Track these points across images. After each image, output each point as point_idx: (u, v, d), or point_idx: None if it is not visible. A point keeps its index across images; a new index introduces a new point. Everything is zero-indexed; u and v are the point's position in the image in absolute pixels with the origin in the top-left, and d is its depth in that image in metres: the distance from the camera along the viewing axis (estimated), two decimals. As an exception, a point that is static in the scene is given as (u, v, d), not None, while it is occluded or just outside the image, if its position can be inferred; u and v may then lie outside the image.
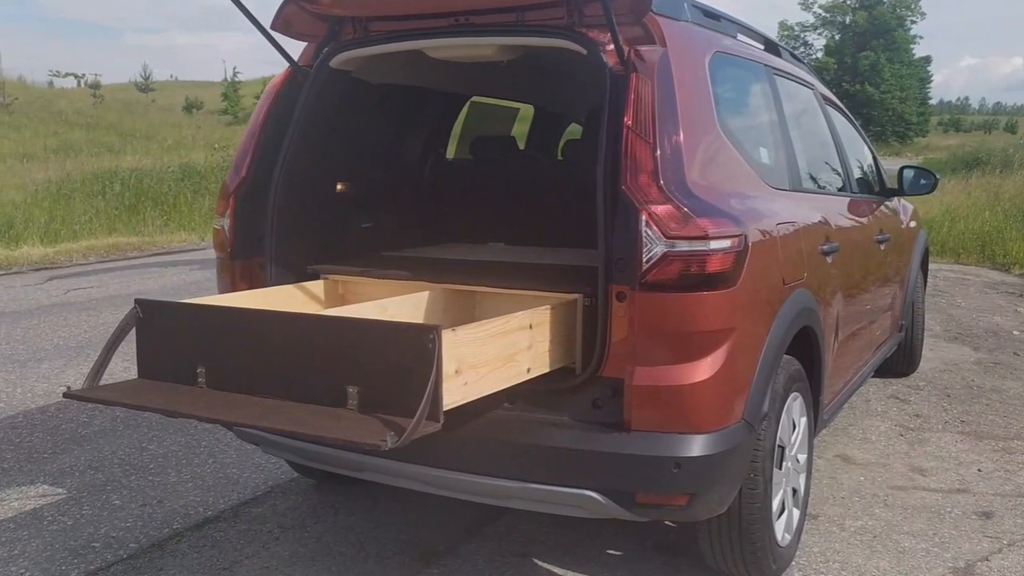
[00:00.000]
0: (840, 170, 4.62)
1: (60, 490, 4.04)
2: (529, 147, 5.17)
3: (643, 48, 2.86)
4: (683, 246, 2.65)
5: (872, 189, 5.19)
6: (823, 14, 69.00)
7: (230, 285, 3.42)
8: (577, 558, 3.43)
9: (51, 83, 40.14)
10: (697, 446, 2.66)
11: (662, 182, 2.68)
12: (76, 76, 35.49)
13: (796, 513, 3.40)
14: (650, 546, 3.52)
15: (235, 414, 2.44)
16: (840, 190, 4.52)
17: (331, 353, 2.42)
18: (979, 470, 4.42)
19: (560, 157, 5.27)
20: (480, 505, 3.65)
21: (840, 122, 4.94)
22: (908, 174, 5.45)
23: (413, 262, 3.58)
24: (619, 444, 2.68)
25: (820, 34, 70.43)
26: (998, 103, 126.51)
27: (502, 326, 2.61)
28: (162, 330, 2.74)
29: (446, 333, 2.32)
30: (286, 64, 3.46)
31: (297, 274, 3.46)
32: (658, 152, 2.70)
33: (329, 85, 3.45)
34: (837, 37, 68.26)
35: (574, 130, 5.76)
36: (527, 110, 5.52)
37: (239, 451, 4.52)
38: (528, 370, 2.74)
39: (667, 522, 3.71)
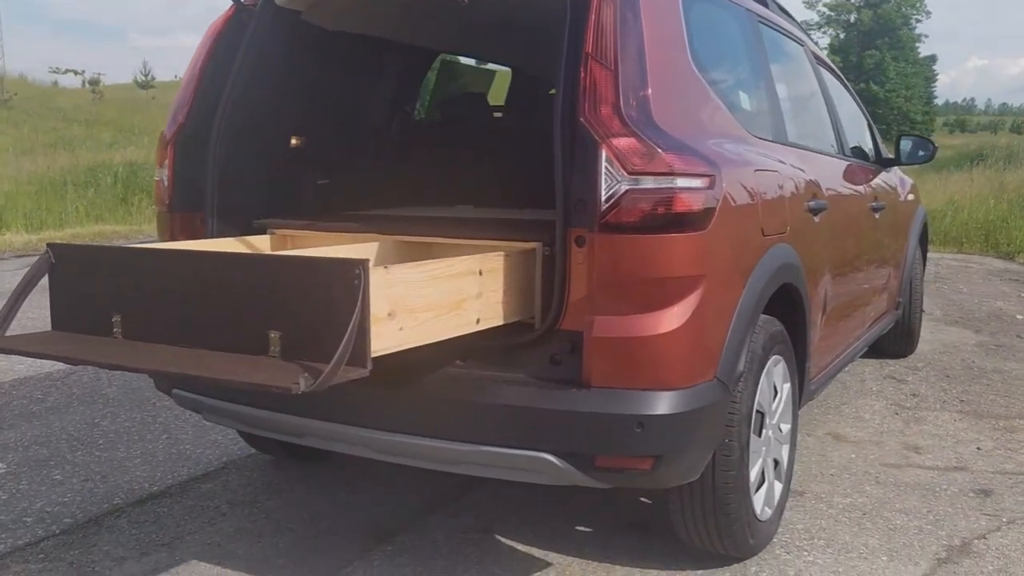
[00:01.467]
0: (832, 131, 4.37)
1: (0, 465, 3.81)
2: (506, 111, 4.91)
3: None
4: (647, 183, 2.40)
5: (867, 157, 4.93)
6: (827, 12, 68.58)
7: (169, 240, 3.18)
8: (544, 535, 3.18)
9: (56, 82, 39.94)
10: (662, 404, 2.41)
11: (624, 114, 2.43)
12: (76, 73, 35.23)
13: (778, 487, 3.15)
14: (623, 523, 3.28)
15: (140, 360, 2.20)
16: (831, 151, 4.27)
17: (250, 295, 2.18)
18: (978, 448, 4.17)
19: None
20: (443, 483, 3.43)
21: (833, 84, 4.69)
22: (905, 143, 5.21)
23: (371, 219, 3.34)
24: (576, 401, 2.43)
25: (824, 32, 70.08)
26: (1004, 104, 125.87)
27: (446, 269, 2.37)
28: (76, 277, 2.51)
29: (376, 270, 2.08)
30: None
31: (242, 229, 3.22)
32: (621, 81, 2.45)
33: (276, 27, 3.21)
34: (842, 35, 67.86)
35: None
36: (504, 76, 5.27)
37: (196, 427, 4.28)
38: (478, 321, 2.49)
39: (641, 498, 3.47)
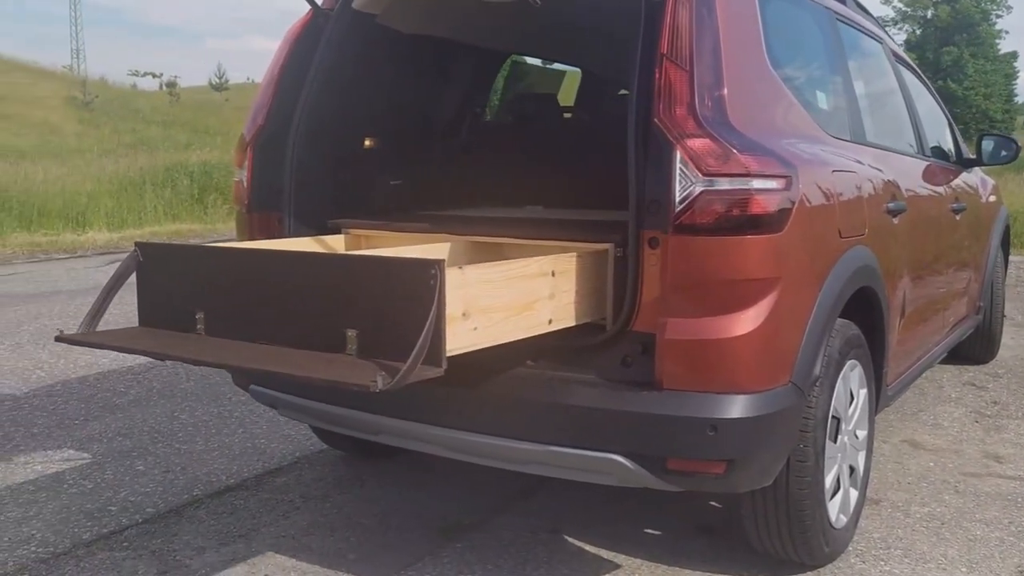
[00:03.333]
0: (911, 131, 4.27)
1: (85, 455, 3.94)
2: (576, 112, 4.91)
3: None
4: (723, 184, 2.38)
5: (947, 157, 4.80)
6: (903, 8, 66.87)
7: (249, 239, 3.26)
8: (612, 537, 3.17)
9: (134, 84, 41.22)
10: (736, 407, 2.38)
11: (700, 114, 2.41)
12: (154, 76, 36.40)
13: (854, 494, 3.09)
14: (691, 526, 3.25)
15: (221, 356, 2.26)
16: (910, 151, 4.17)
17: (327, 294, 2.23)
18: (1063, 457, 4.02)
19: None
20: (514, 481, 3.45)
21: (912, 82, 4.58)
22: (987, 143, 5.05)
23: (442, 219, 3.37)
24: (648, 403, 2.42)
25: (900, 29, 68.31)
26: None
27: (520, 270, 2.38)
28: (162, 274, 2.59)
29: (452, 271, 2.10)
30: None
31: (317, 229, 3.28)
32: (696, 82, 2.44)
33: (352, 30, 3.27)
34: (918, 32, 66.05)
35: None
36: (574, 76, 5.27)
37: (271, 422, 4.37)
38: (550, 321, 2.50)
39: (712, 502, 3.43)
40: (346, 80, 3.30)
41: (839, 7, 3.69)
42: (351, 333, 2.19)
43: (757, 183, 2.40)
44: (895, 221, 3.36)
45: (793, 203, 2.48)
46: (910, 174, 3.84)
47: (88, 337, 2.49)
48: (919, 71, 4.90)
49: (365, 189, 3.54)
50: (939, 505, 3.47)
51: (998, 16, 65.59)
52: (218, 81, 40.19)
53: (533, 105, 4.59)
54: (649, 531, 3.23)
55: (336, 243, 3.24)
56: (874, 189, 3.19)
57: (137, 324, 2.64)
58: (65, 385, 5.01)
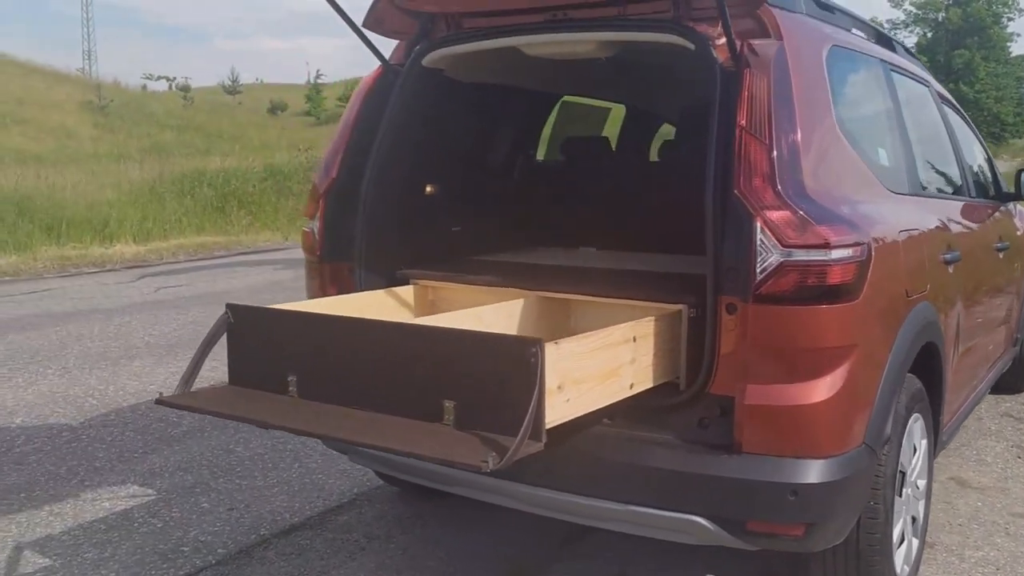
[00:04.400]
0: (958, 172, 4.33)
1: (150, 491, 4.03)
2: (620, 148, 4.99)
3: (757, 42, 2.67)
4: (801, 255, 2.45)
5: (988, 193, 4.86)
6: (914, 11, 66.68)
7: (319, 288, 3.34)
8: (676, 581, 3.25)
9: (144, 86, 41.43)
10: (815, 472, 2.45)
11: (778, 186, 2.49)
12: (168, 79, 36.57)
13: (915, 543, 3.16)
14: (752, 572, 3.32)
15: (329, 428, 2.34)
16: (957, 193, 4.24)
17: (427, 365, 2.31)
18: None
19: (655, 158, 5.07)
20: (570, 522, 3.51)
21: (956, 121, 4.64)
22: None
23: (504, 267, 3.45)
24: (729, 467, 2.49)
25: (911, 32, 68.13)
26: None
27: (605, 339, 2.46)
28: (253, 336, 2.67)
29: (549, 347, 2.18)
30: (373, 65, 3.38)
31: (386, 278, 3.37)
32: (774, 154, 2.51)
33: (421, 84, 3.35)
34: (929, 35, 65.90)
35: (667, 131, 5.56)
36: (617, 110, 5.34)
37: (324, 456, 4.46)
38: (631, 386, 2.58)
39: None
40: (414, 132, 3.38)
41: (891, 56, 3.76)
42: (448, 404, 2.26)
43: (835, 254, 2.47)
44: (950, 271, 3.43)
45: (867, 271, 2.55)
46: (962, 219, 3.90)
47: (188, 400, 2.57)
48: (959, 107, 4.96)
49: (427, 236, 3.62)
50: (992, 549, 3.54)
51: (1009, 19, 65.45)
52: (231, 84, 40.38)
53: (583, 145, 4.67)
54: (712, 576, 3.31)
55: (407, 295, 3.33)
56: (932, 242, 3.27)
57: (227, 383, 2.73)
58: (119, 414, 5.11)
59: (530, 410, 2.07)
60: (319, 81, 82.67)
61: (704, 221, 2.58)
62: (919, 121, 3.92)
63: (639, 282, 3.12)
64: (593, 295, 2.99)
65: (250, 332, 2.68)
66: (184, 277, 10.21)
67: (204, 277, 10.23)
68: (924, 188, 3.55)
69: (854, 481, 2.55)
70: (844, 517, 2.60)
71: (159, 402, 2.57)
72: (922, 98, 4.13)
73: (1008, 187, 5.12)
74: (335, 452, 4.35)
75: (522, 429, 2.05)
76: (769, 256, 2.45)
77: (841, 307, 2.48)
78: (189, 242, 12.68)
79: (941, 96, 4.50)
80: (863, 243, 2.55)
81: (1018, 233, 5.25)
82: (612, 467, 2.64)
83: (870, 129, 3.30)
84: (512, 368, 2.14)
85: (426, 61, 3.30)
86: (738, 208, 2.49)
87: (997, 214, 4.76)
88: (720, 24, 2.76)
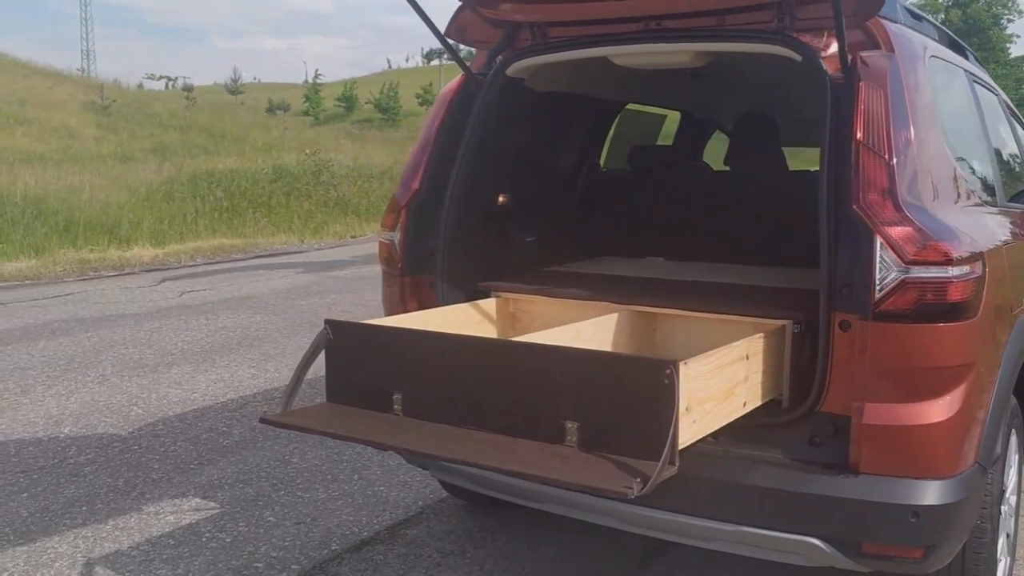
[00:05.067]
0: None
1: (213, 504, 3.97)
2: (684, 155, 4.94)
3: (867, 54, 2.62)
4: (921, 272, 2.39)
5: None
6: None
7: (399, 301, 3.28)
8: (760, 598, 3.20)
9: (140, 85, 41.31)
10: (937, 494, 2.40)
11: (898, 201, 2.43)
12: (169, 79, 36.46)
13: (1007, 561, 3.12)
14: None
15: (450, 449, 2.28)
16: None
17: (549, 385, 2.25)
18: None
19: (723, 166, 5.00)
20: (645, 536, 3.46)
21: (1017, 127, 4.60)
22: None
23: (584, 279, 3.41)
24: (847, 488, 2.44)
25: (911, 33, 68.12)
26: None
27: (724, 357, 2.41)
28: (353, 353, 2.62)
29: (680, 367, 2.13)
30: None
31: (466, 291, 3.32)
32: (893, 168, 2.46)
33: (504, 94, 3.30)
34: (929, 36, 66.03)
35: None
36: (672, 117, 5.29)
37: (382, 467, 4.40)
38: (744, 404, 2.53)
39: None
40: (496, 142, 3.33)
41: (970, 66, 3.72)
42: (571, 425, 2.22)
43: (955, 270, 2.42)
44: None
45: (984, 287, 2.51)
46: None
47: (292, 419, 2.52)
48: (1019, 114, 4.91)
49: (502, 247, 3.58)
50: (1074, 564, 3.50)
51: (1009, 20, 65.62)
52: (233, 84, 40.29)
53: (649, 154, 4.62)
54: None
55: (489, 308, 3.27)
56: (1024, 255, 3.22)
57: (325, 400, 2.68)
58: (166, 423, 5.05)
59: (670, 433, 2.02)
60: (318, 81, 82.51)
61: (815, 236, 2.53)
62: (999, 131, 3.88)
63: (734, 296, 3.07)
64: (692, 310, 2.94)
65: (351, 348, 2.62)
66: (205, 281, 10.13)
67: (225, 280, 10.16)
68: (1008, 198, 3.50)
69: (970, 501, 2.50)
70: (959, 538, 2.55)
71: (263, 421, 2.52)
72: (996, 107, 4.08)
73: None
74: (393, 463, 4.33)
75: (664, 453, 2.00)
76: (889, 272, 2.39)
77: (961, 325, 2.43)
78: (206, 245, 12.60)
79: (1007, 105, 4.46)
80: (979, 258, 2.51)
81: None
82: (723, 487, 2.58)
83: (965, 141, 3.26)
84: (645, 389, 2.10)
85: (510, 71, 3.25)
86: (856, 223, 2.44)
87: None
88: (825, 35, 2.73)
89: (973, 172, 3.18)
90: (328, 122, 65.56)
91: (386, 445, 2.38)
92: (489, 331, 3.24)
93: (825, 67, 2.64)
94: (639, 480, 1.97)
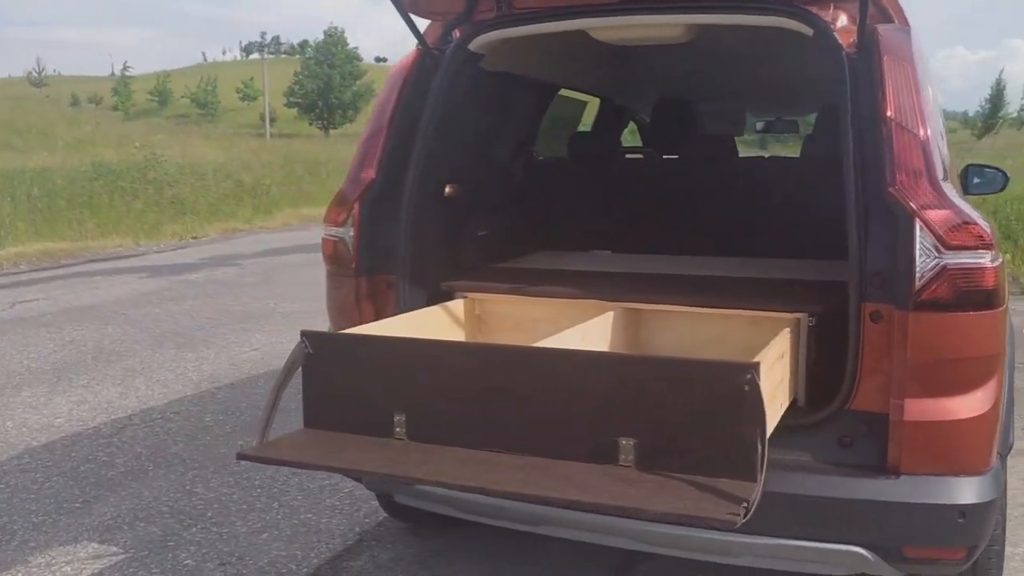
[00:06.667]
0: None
1: (114, 548, 3.41)
2: (612, 144, 4.73)
3: (882, 27, 2.48)
4: (963, 258, 2.27)
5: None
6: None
7: (353, 305, 2.88)
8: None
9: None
10: (980, 491, 2.28)
11: (935, 183, 2.30)
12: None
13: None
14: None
15: (494, 480, 1.93)
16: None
17: (597, 398, 1.96)
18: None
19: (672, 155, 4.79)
20: (616, 550, 3.22)
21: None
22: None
23: (549, 276, 3.12)
24: (892, 491, 2.28)
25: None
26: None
27: (773, 355, 2.20)
28: (339, 369, 2.22)
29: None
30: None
31: (428, 292, 2.96)
32: (928, 146, 2.33)
33: (462, 73, 2.97)
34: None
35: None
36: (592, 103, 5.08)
37: (303, 492, 3.95)
38: (781, 405, 2.33)
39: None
40: (455, 126, 2.99)
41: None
42: (626, 442, 1.94)
43: (988, 256, 2.31)
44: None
45: (1003, 273, 2.42)
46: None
47: (277, 453, 2.10)
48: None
49: (457, 243, 3.24)
50: None
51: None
52: (37, 76, 37.07)
53: (590, 144, 4.37)
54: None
55: (457, 310, 2.93)
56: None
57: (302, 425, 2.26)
58: (33, 456, 4.35)
59: (760, 445, 1.78)
60: (127, 74, 77.83)
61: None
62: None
63: (736, 290, 2.87)
64: (701, 305, 2.71)
65: (336, 364, 2.22)
66: (37, 289, 9.09)
67: (60, 289, 9.14)
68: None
69: (1002, 495, 2.41)
70: (992, 534, 2.45)
71: (241, 457, 2.08)
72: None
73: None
74: (312, 485, 3.91)
75: (760, 469, 1.76)
76: (932, 259, 2.25)
77: (996, 312, 2.33)
78: (30, 250, 11.32)
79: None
80: (996, 245, 2.41)
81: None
82: None
83: (938, 120, 3.21)
84: (722, 397, 1.84)
85: (474, 45, 2.91)
86: (892, 208, 2.28)
87: None
88: (832, 7, 2.58)
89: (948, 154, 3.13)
90: (140, 117, 61.84)
91: (414, 478, 2.01)
92: (459, 336, 2.90)
93: (840, 41, 2.48)
94: (744, 504, 1.72)
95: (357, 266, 2.87)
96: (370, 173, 2.86)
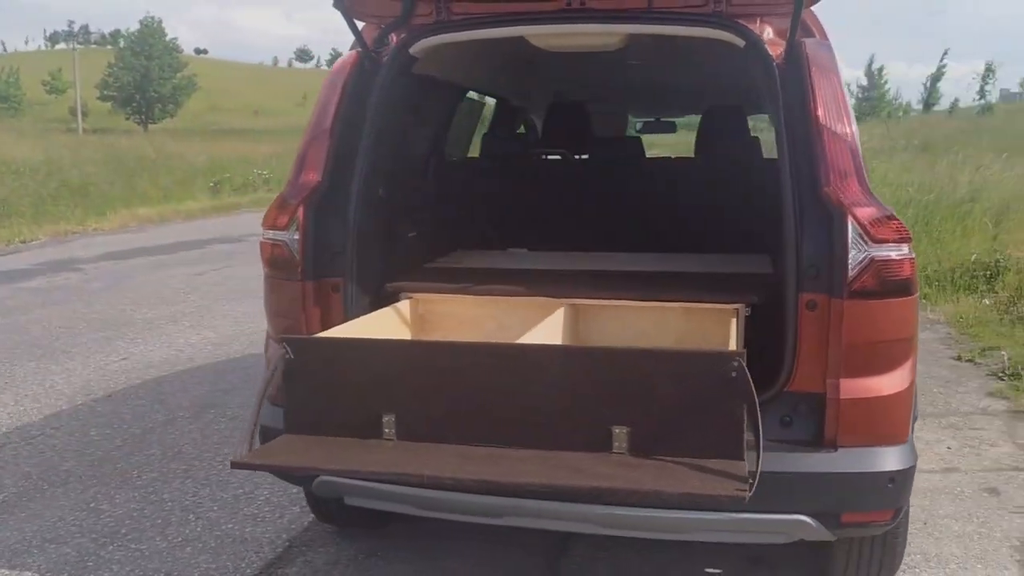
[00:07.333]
0: None
1: (28, 574, 3.21)
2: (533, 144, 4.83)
3: (808, 41, 2.72)
4: (886, 250, 2.53)
5: None
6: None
7: (300, 310, 2.85)
8: (678, 582, 3.22)
9: None
10: (904, 457, 2.56)
11: (862, 182, 2.55)
12: None
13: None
14: (745, 560, 3.39)
15: (502, 473, 1.99)
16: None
17: (589, 389, 2.07)
18: (948, 448, 4.70)
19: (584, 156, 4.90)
20: (549, 535, 3.34)
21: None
22: None
23: (485, 274, 3.20)
24: (830, 463, 2.52)
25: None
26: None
27: (722, 343, 2.37)
28: (323, 374, 2.22)
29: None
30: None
31: (372, 294, 2.98)
32: (854, 150, 2.58)
33: (400, 75, 3.00)
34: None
35: None
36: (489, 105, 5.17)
37: (217, 501, 3.85)
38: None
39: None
40: (394, 128, 3.02)
41: None
42: (619, 430, 2.06)
43: (906, 248, 2.58)
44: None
45: (915, 263, 2.71)
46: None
47: (271, 459, 2.10)
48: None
49: (391, 244, 3.25)
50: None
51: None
52: None
53: (507, 145, 4.45)
54: (709, 570, 3.32)
55: (404, 311, 2.96)
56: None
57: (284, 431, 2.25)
58: (-95, 483, 4.01)
59: (754, 425, 1.94)
60: None
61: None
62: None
63: (674, 284, 3.03)
64: (647, 299, 2.85)
65: (319, 369, 2.22)
66: None
67: None
68: None
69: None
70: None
71: (236, 466, 2.05)
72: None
73: None
74: (229, 496, 3.85)
75: (759, 447, 1.91)
76: (862, 252, 2.49)
77: (912, 299, 2.61)
78: None
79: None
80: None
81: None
82: None
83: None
84: (711, 384, 1.99)
85: (414, 49, 2.94)
86: (827, 206, 2.51)
87: None
88: (758, 21, 2.79)
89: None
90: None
91: (424, 476, 2.04)
92: (406, 335, 2.93)
93: (769, 52, 2.69)
94: (746, 480, 1.87)
95: (303, 270, 2.84)
96: (314, 176, 2.84)
